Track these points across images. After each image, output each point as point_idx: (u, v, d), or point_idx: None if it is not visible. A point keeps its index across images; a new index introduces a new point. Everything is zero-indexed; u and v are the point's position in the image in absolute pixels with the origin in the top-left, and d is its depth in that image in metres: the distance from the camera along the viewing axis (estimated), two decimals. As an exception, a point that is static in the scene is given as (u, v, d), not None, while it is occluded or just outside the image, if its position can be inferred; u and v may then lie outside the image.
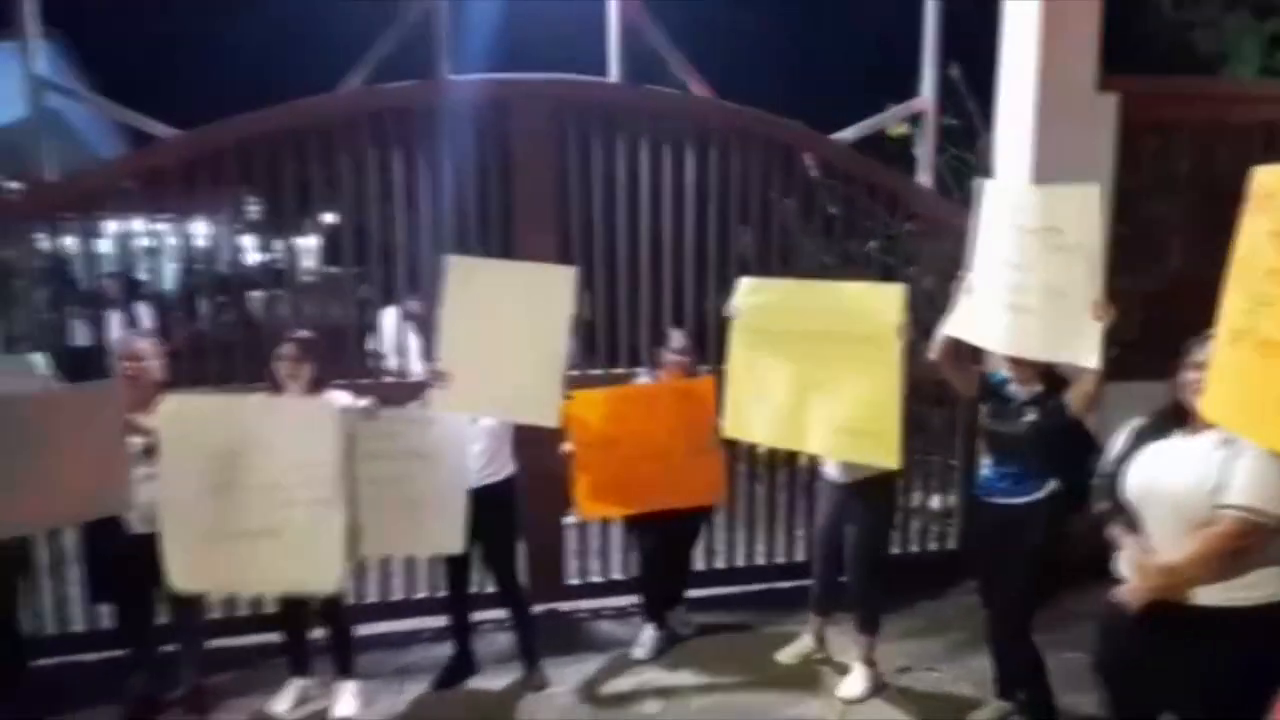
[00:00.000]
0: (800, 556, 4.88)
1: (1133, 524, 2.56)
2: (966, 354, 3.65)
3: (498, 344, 3.53)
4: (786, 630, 4.38)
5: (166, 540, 3.34)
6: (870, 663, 3.98)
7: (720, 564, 4.98)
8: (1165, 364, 2.55)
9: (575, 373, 4.15)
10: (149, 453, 3.39)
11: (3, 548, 3.44)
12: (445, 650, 4.11)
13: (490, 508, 3.70)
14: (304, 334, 3.75)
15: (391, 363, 4.68)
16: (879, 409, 3.47)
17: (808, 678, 4.07)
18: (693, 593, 4.62)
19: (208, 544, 3.34)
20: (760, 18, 10.42)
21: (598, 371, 4.57)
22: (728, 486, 4.43)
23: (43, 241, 4.20)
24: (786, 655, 4.20)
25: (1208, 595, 2.38)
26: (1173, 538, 2.43)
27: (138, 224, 4.63)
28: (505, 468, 3.89)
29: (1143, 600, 2.45)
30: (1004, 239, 3.24)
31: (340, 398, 3.66)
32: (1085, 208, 3.00)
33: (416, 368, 4.50)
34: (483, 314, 3.55)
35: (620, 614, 4.63)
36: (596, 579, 4.84)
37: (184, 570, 3.37)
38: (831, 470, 3.94)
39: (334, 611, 3.80)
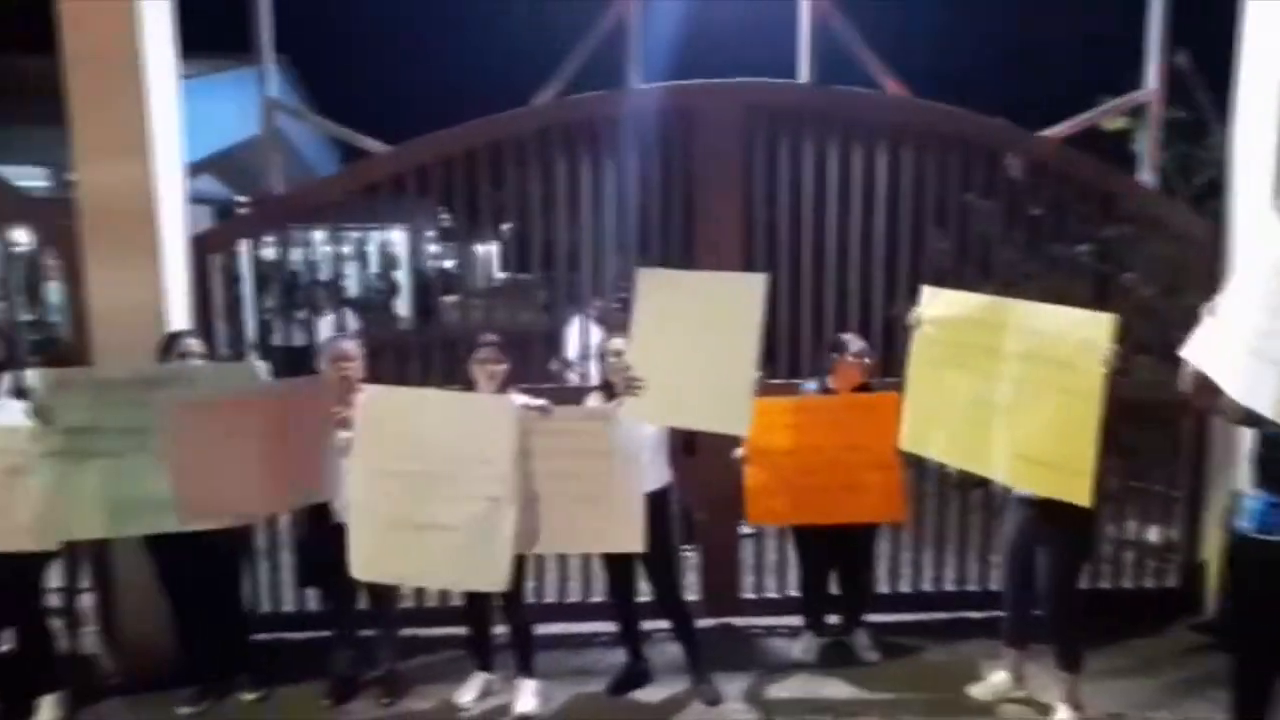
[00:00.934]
0: (994, 585, 4.56)
1: None
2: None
3: (688, 353, 3.51)
4: (976, 662, 4.10)
5: (352, 527, 3.53)
6: (1076, 705, 3.65)
7: (905, 588, 4.74)
8: None
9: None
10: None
11: (227, 533, 3.75)
12: (621, 656, 4.13)
13: (648, 517, 3.68)
14: (498, 338, 3.87)
15: (577, 369, 4.77)
16: (1074, 443, 3.20)
17: (1004, 717, 3.78)
18: (875, 617, 4.43)
19: (388, 533, 3.50)
20: (960, 9, 9.92)
21: (777, 381, 4.46)
22: (913, 506, 4.21)
23: (270, 250, 4.59)
24: (981, 691, 3.92)
25: None
26: None
27: (344, 233, 4.96)
28: (661, 477, 3.86)
29: None
30: (1262, 278, 2.87)
31: (519, 396, 3.76)
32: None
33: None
34: (673, 324, 3.54)
35: (795, 633, 4.49)
36: (772, 595, 4.71)
37: (365, 558, 3.55)
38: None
39: (514, 609, 3.89)
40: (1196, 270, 4.47)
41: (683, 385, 3.51)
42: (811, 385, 4.19)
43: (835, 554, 4.24)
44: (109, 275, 3.91)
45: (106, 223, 3.88)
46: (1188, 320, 3.10)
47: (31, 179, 4.70)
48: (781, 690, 4.04)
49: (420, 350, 4.58)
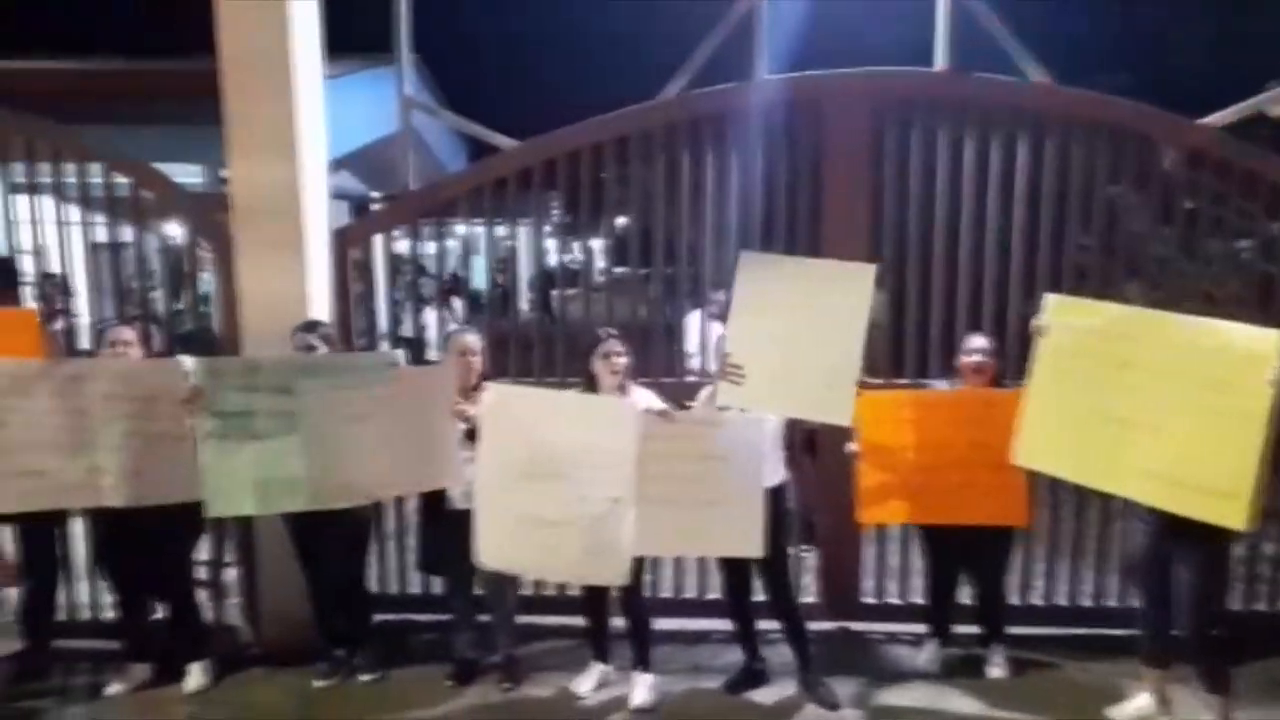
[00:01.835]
0: (1136, 600, 4.28)
1: None
2: None
3: (790, 341, 3.47)
4: (1116, 682, 3.87)
5: (480, 518, 3.64)
6: (1230, 731, 3.40)
7: (1038, 600, 4.51)
8: None
9: (876, 381, 4.00)
10: (470, 437, 3.70)
11: (357, 513, 3.91)
12: (737, 654, 4.10)
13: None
14: (620, 332, 3.90)
15: (697, 362, 4.75)
16: (1233, 466, 2.98)
17: (1146, 743, 3.56)
18: (1007, 629, 4.23)
19: (514, 527, 3.61)
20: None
21: (904, 381, 4.32)
22: (1047, 513, 3.99)
23: (402, 245, 4.75)
24: (1121, 713, 3.70)
25: None
26: None
27: (461, 228, 5.08)
28: (776, 474, 3.78)
29: None
30: None
31: (643, 398, 3.76)
32: None
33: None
34: (775, 310, 3.51)
35: (918, 641, 4.34)
36: (894, 600, 4.58)
37: (492, 549, 3.66)
38: None
39: (632, 603, 3.91)
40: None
41: (782, 372, 3.48)
42: (941, 385, 4.05)
43: (966, 561, 4.08)
44: (257, 266, 4.13)
45: (256, 217, 4.10)
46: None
47: (188, 176, 5.00)
48: (902, 699, 3.92)
49: (536, 343, 4.64)
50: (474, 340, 3.96)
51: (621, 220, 4.75)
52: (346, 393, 3.64)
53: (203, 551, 4.53)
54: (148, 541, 3.86)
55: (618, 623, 4.01)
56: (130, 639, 4.17)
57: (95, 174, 4.30)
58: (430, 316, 5.17)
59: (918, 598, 4.47)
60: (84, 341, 4.81)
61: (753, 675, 4.03)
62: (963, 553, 4.04)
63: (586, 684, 3.99)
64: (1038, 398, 3.49)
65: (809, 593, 4.60)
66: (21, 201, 4.31)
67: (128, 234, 4.40)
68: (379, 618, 4.53)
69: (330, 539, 3.96)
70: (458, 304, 6.24)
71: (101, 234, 4.70)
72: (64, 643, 4.34)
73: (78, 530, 4.36)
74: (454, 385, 3.77)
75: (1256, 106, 4.28)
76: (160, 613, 4.21)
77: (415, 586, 4.71)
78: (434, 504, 3.95)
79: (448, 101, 5.74)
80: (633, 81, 4.53)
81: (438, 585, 4.56)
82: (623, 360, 3.77)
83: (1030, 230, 4.28)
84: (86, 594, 4.49)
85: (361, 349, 4.57)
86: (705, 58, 4.36)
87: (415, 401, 3.70)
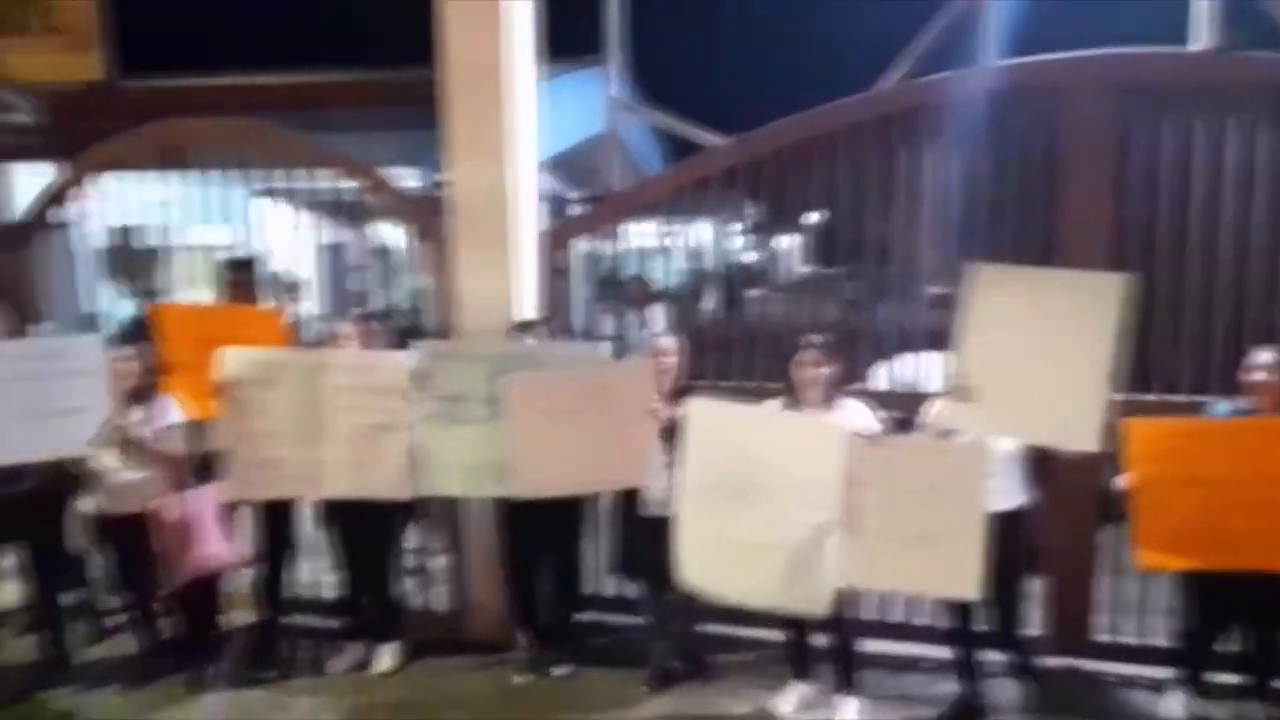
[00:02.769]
0: None
1: None
2: None
3: (1030, 360, 3.18)
4: None
5: (679, 536, 3.53)
6: None
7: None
8: None
9: (1124, 398, 3.58)
10: (665, 439, 3.62)
11: (566, 508, 3.93)
12: (949, 685, 3.82)
13: (994, 538, 3.32)
14: (822, 338, 3.71)
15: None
16: None
17: None
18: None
19: (714, 547, 3.47)
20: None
21: (1151, 398, 3.87)
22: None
23: (604, 246, 4.75)
24: None
25: None
26: None
27: (653, 227, 5.00)
28: (1014, 495, 3.46)
29: None
30: None
31: (854, 415, 3.56)
32: None
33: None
34: (1013, 326, 3.22)
35: (1157, 687, 3.89)
36: (1130, 640, 4.12)
37: (692, 569, 3.54)
38: None
39: (836, 622, 3.71)
40: None
41: (1022, 394, 3.19)
42: (1223, 407, 3.55)
43: (1243, 606, 3.58)
44: (471, 266, 4.26)
45: (471, 219, 4.22)
46: None
47: (407, 180, 5.24)
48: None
49: (723, 344, 4.52)
50: (670, 342, 3.90)
51: (814, 218, 4.54)
52: (549, 382, 3.68)
53: (412, 538, 4.75)
54: (364, 522, 4.06)
55: (819, 640, 3.84)
56: (348, 618, 4.42)
57: (322, 179, 4.56)
58: (632, 318, 5.17)
59: (1158, 638, 4.01)
60: (309, 335, 5.12)
61: (973, 710, 3.73)
62: (1241, 597, 3.54)
63: (788, 704, 3.84)
64: None
65: (1034, 625, 4.22)
66: (257, 206, 4.65)
67: (347, 235, 4.66)
68: (576, 617, 4.59)
69: (548, 531, 4.03)
70: (654, 305, 6.27)
71: (326, 235, 4.99)
72: (292, 619, 4.65)
73: (305, 511, 4.64)
74: (652, 384, 3.72)
75: None
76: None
77: (608, 587, 4.71)
78: (628, 507, 3.92)
79: (647, 100, 5.74)
80: (839, 77, 4.34)
81: (630, 587, 4.56)
82: (823, 370, 3.59)
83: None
84: (311, 573, 4.78)
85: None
86: (925, 46, 4.11)
87: (615, 398, 3.68)
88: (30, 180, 4.96)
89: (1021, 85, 3.95)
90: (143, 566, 4.01)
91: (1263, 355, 3.41)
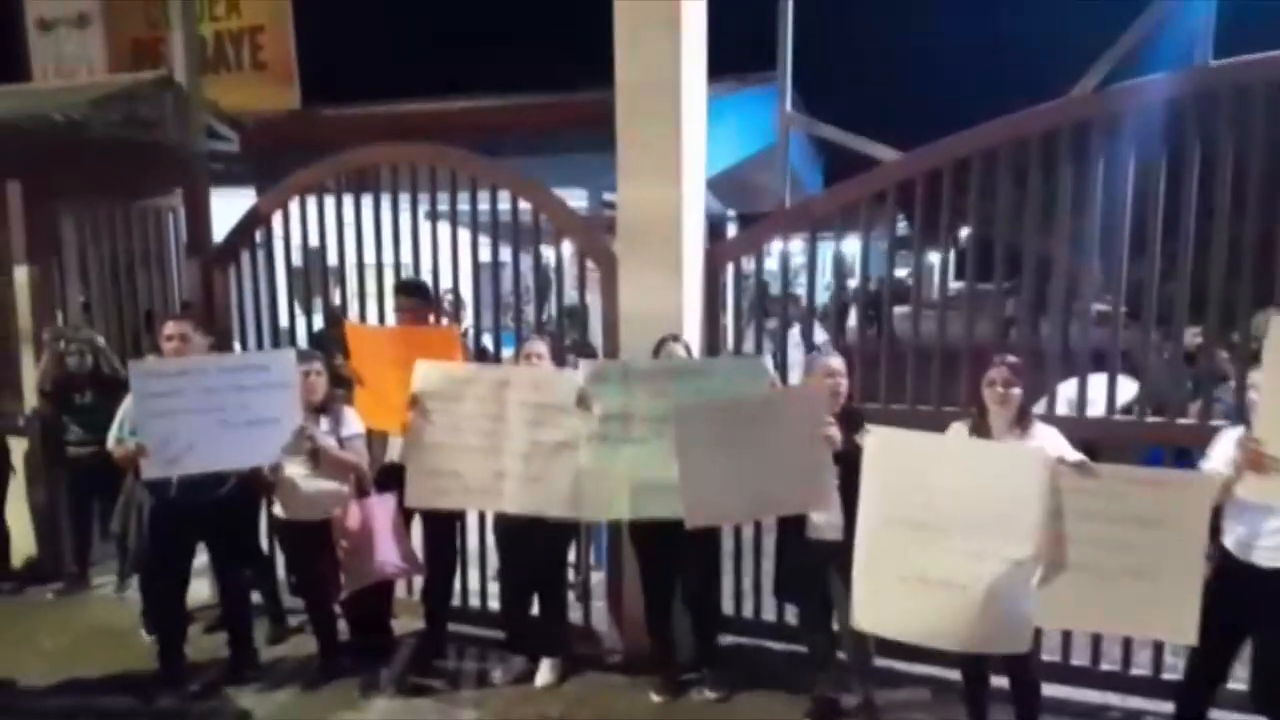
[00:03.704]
0: None
1: None
2: None
3: None
4: None
5: (858, 576, 3.38)
6: None
7: None
8: None
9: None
10: (838, 461, 3.49)
11: (705, 532, 3.84)
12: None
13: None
14: (1012, 358, 3.48)
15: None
16: None
17: None
18: None
19: (897, 586, 3.29)
20: None
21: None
22: None
23: (769, 260, 4.66)
24: None
25: None
26: None
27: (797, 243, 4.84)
28: None
29: None
30: None
31: (1049, 441, 3.31)
32: None
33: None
34: None
35: None
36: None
37: (871, 610, 3.38)
38: None
39: (1019, 662, 3.46)
40: None
41: None
42: None
43: None
44: (638, 285, 4.26)
45: (639, 238, 4.23)
46: None
47: (576, 200, 5.35)
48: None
49: (871, 362, 4.30)
50: (840, 363, 3.76)
51: (965, 231, 4.28)
52: (719, 408, 3.59)
53: (570, 553, 4.79)
54: (532, 536, 4.11)
55: (998, 681, 3.57)
56: (511, 630, 4.49)
57: (486, 199, 4.68)
58: (794, 334, 5.05)
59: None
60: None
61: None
62: None
63: (964, 748, 3.60)
64: None
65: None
66: (426, 226, 4.83)
67: (507, 254, 4.76)
68: (729, 639, 4.48)
69: (688, 554, 3.96)
70: (800, 322, 6.14)
71: (486, 254, 5.13)
72: (458, 627, 4.77)
73: (472, 521, 4.76)
74: (824, 407, 3.58)
75: None
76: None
77: (768, 612, 4.59)
78: (794, 530, 3.78)
79: (809, 109, 5.64)
80: (1002, 87, 4.08)
81: (792, 613, 4.42)
82: (1014, 392, 3.36)
83: None
84: (477, 583, 4.89)
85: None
86: (1125, 49, 3.79)
87: (786, 421, 3.55)
88: (233, 204, 5.34)
89: (1245, 85, 3.59)
90: (324, 571, 4.21)
91: None
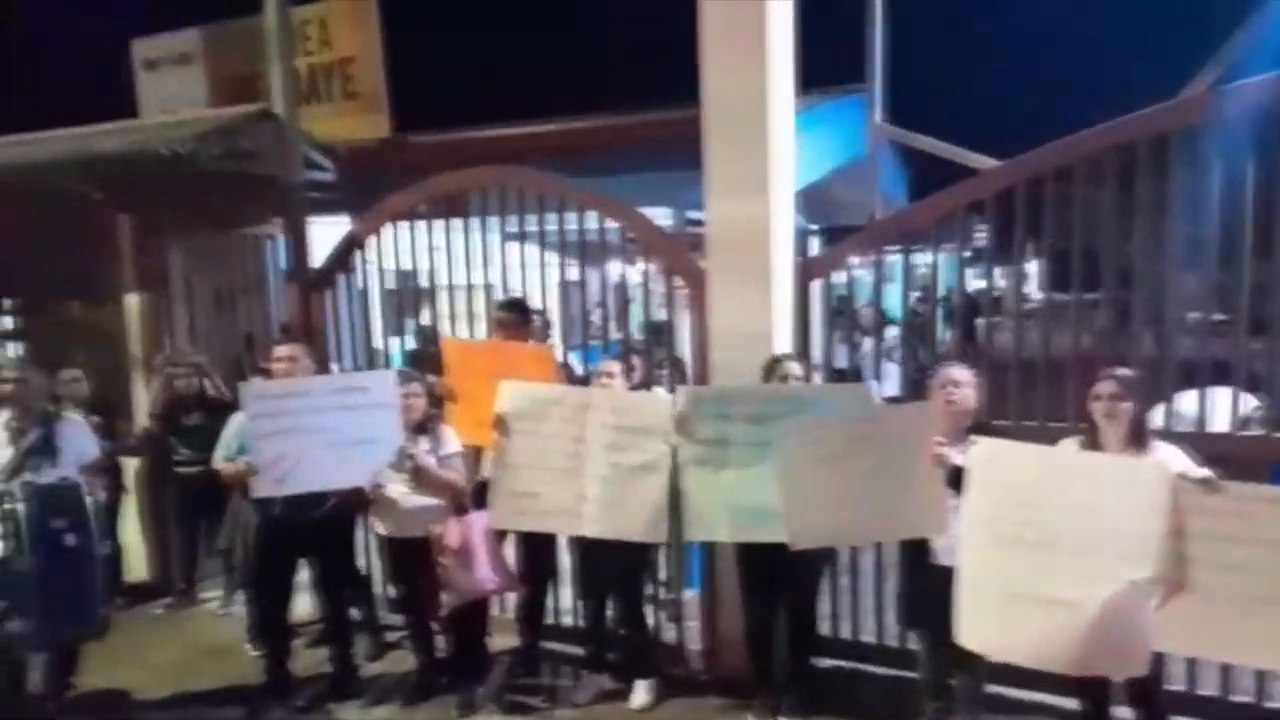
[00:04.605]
0: None
1: None
2: None
3: None
4: None
5: (962, 593, 3.25)
6: None
7: None
8: None
9: None
10: (953, 484, 3.33)
11: (811, 553, 3.77)
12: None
13: None
14: (1123, 371, 3.33)
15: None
16: None
17: None
18: None
19: (1006, 604, 3.15)
20: None
21: None
22: None
23: (859, 274, 4.60)
24: None
25: None
26: None
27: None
28: None
29: None
30: None
31: (1173, 458, 3.16)
32: None
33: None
34: None
35: None
36: None
37: (976, 628, 3.25)
38: None
39: (1143, 692, 3.29)
40: None
41: None
42: None
43: None
44: (727, 301, 4.23)
45: (729, 254, 4.21)
46: None
47: (661, 218, 5.35)
48: None
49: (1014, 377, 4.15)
50: (964, 373, 3.55)
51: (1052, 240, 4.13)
52: (823, 429, 3.53)
53: (661, 571, 4.76)
54: (613, 554, 4.10)
55: (1121, 714, 3.41)
56: (592, 646, 4.48)
57: (571, 220, 4.72)
58: (866, 348, 4.94)
59: None
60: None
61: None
62: None
63: (1083, 781, 3.43)
64: None
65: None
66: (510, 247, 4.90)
67: (589, 273, 4.78)
68: (826, 663, 4.39)
69: (792, 575, 3.89)
70: (890, 334, 6.01)
71: (566, 272, 5.17)
72: (552, 645, 4.78)
73: (565, 539, 4.77)
74: (934, 425, 3.46)
75: None
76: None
77: (868, 634, 4.48)
78: (916, 554, 3.66)
79: (895, 119, 5.57)
80: (1098, 93, 3.93)
81: (891, 635, 4.31)
82: (1125, 406, 3.21)
83: None
84: (571, 600, 4.89)
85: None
86: (1242, 46, 3.64)
87: (895, 441, 3.45)
88: (329, 231, 5.52)
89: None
90: (422, 588, 4.26)
91: None
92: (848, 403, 3.71)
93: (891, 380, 5.98)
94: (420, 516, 4.15)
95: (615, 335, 6.05)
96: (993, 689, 3.81)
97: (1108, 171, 3.81)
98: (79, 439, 4.32)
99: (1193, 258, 3.79)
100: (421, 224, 5.06)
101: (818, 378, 4.24)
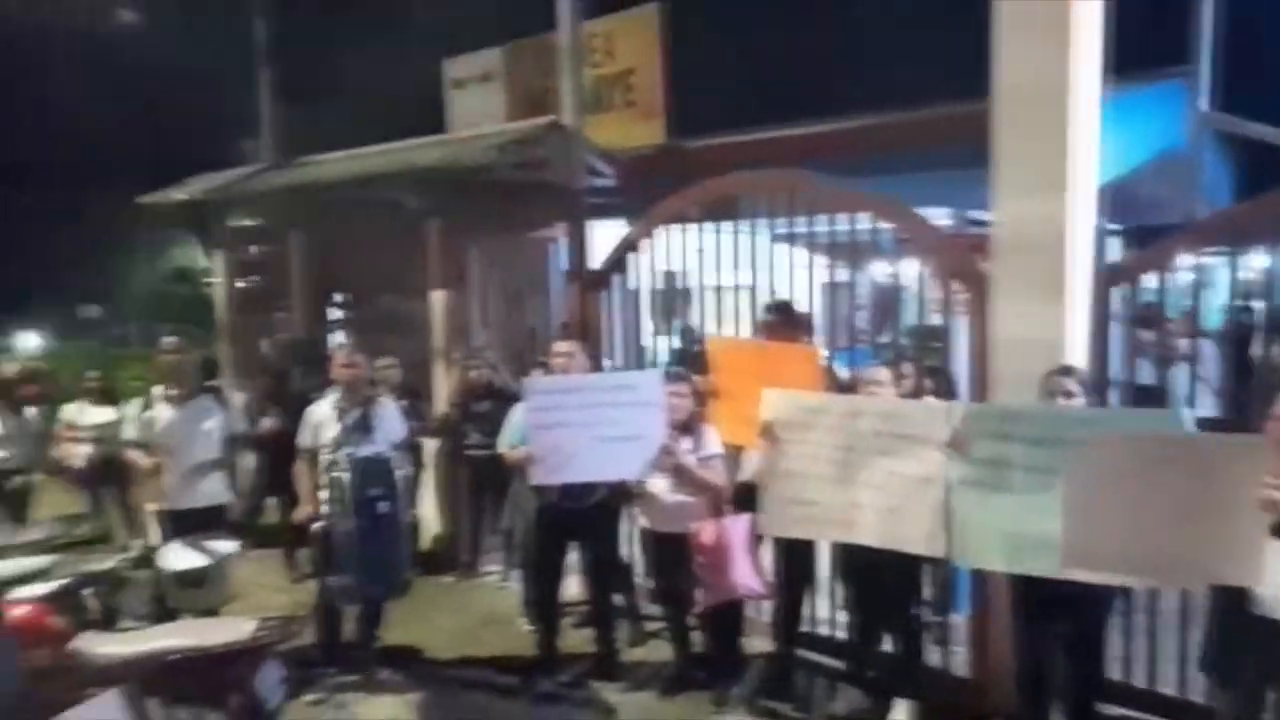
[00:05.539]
0: None
1: None
2: None
3: None
4: None
5: None
6: None
7: None
8: None
9: None
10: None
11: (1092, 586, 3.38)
12: None
13: None
14: None
15: None
16: None
17: None
18: None
19: None
20: None
21: None
22: None
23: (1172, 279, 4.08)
24: None
25: None
26: None
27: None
28: None
29: None
30: None
31: None
32: None
33: None
34: None
35: None
36: None
37: None
38: None
39: None
40: None
41: None
42: None
43: None
44: (1014, 307, 3.94)
45: (1018, 257, 3.91)
46: None
47: (936, 219, 5.07)
48: None
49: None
50: None
51: None
52: (1127, 446, 3.15)
53: (928, 590, 4.51)
54: (882, 569, 3.93)
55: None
56: (859, 665, 4.33)
57: (841, 221, 4.58)
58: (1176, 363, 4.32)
59: None
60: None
61: None
62: None
63: None
64: None
65: None
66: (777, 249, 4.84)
67: (854, 274, 4.61)
68: (1114, 711, 3.96)
69: (1070, 610, 3.53)
70: (1205, 348, 5.28)
71: (828, 274, 5.04)
72: (805, 654, 4.71)
73: (824, 548, 4.67)
74: (1269, 464, 2.96)
75: None
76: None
77: (1165, 684, 3.97)
78: (1233, 599, 3.17)
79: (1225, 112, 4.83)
80: None
81: (1196, 689, 3.78)
82: None
83: None
84: (828, 610, 4.79)
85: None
86: None
87: (1213, 475, 2.99)
88: (606, 234, 5.79)
89: None
90: (680, 582, 4.36)
91: None
92: (1154, 430, 3.30)
93: (1206, 402, 5.25)
94: (680, 513, 4.25)
95: (881, 339, 5.81)
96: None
97: None
98: (391, 420, 4.87)
99: None
100: (692, 227, 5.16)
101: (1080, 399, 3.79)
